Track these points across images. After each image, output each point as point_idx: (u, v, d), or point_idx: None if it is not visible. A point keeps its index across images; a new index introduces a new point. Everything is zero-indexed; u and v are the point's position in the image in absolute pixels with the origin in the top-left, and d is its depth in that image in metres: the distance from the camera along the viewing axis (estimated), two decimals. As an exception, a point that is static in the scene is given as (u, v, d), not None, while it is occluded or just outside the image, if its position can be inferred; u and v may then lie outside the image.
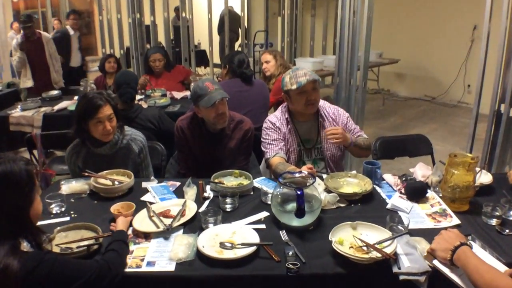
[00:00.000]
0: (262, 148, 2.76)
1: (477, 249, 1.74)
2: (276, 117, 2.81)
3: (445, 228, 1.76)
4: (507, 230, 1.96)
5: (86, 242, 1.86)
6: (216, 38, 9.48)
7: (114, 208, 2.13)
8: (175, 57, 7.44)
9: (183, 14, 7.17)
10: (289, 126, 2.78)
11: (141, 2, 6.99)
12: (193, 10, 7.52)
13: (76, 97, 4.77)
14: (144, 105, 4.25)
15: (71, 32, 7.05)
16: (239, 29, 9.39)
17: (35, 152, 3.73)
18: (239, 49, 10.07)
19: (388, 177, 2.49)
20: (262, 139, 2.78)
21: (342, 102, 4.78)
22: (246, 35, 9.30)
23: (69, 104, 4.55)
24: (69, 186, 2.45)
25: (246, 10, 8.96)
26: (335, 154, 2.83)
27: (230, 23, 8.66)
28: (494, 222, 2.03)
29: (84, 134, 2.59)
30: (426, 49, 8.51)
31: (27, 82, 5.90)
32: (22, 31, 5.77)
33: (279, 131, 2.75)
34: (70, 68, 6.97)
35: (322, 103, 2.86)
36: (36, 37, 5.76)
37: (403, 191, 2.33)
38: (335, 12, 6.13)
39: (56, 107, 4.49)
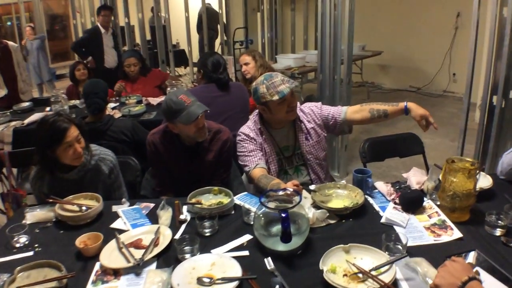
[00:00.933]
0: (240, 162, 2.55)
1: (486, 276, 1.55)
2: (249, 128, 2.59)
3: (447, 244, 1.58)
4: (513, 242, 1.79)
5: (49, 285, 1.67)
6: (194, 37, 9.23)
7: (80, 240, 1.91)
8: (152, 59, 7.19)
9: (160, 14, 6.94)
10: (263, 136, 2.56)
11: (115, 3, 6.76)
12: (170, 9, 7.31)
13: (47, 109, 4.53)
14: (118, 114, 4.02)
15: (102, 30, 6.39)
16: (218, 27, 9.15)
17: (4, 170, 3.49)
18: (219, 47, 9.85)
19: (380, 186, 2.30)
20: (238, 153, 2.56)
21: (326, 99, 4.59)
22: (226, 33, 9.08)
23: (40, 116, 4.28)
24: (33, 214, 2.23)
25: (224, 7, 8.72)
26: (318, 156, 2.64)
27: (208, 21, 8.44)
28: (498, 232, 1.86)
29: (51, 163, 2.35)
30: (409, 39, 8.35)
31: None
32: None
33: (255, 142, 2.53)
34: (104, 69, 6.36)
35: (298, 104, 2.65)
36: (2, 45, 5.51)
37: (397, 201, 2.14)
38: (315, 5, 5.93)
39: (27, 121, 4.22)
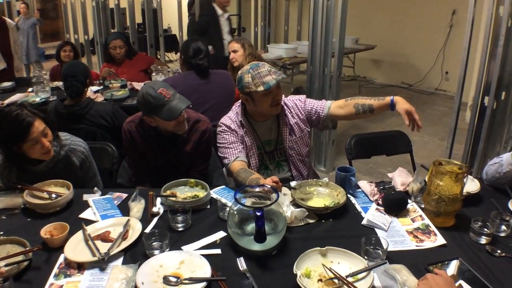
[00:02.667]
0: (219, 154, 2.43)
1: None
2: (231, 119, 2.47)
3: (430, 250, 1.50)
4: (498, 251, 1.71)
5: (14, 259, 1.63)
6: (186, 21, 9.06)
7: (46, 230, 1.81)
8: (142, 43, 7.04)
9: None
10: (244, 129, 2.45)
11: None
12: (163, -8, 7.15)
13: (30, 89, 4.39)
14: (100, 98, 3.89)
15: (219, 12, 5.61)
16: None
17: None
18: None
19: (364, 185, 2.21)
20: (218, 144, 2.44)
21: (315, 92, 4.50)
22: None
23: (21, 97, 4.15)
24: (1, 200, 2.12)
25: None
26: (301, 152, 2.53)
27: (201, 7, 8.25)
28: (484, 240, 1.78)
29: (18, 158, 2.21)
30: (403, 35, 8.26)
31: None
32: None
33: (235, 134, 2.42)
34: (225, 58, 5.25)
35: (283, 97, 2.54)
36: (1, 21, 5.48)
37: (380, 202, 2.06)
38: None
39: (7, 101, 4.08)
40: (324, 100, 2.53)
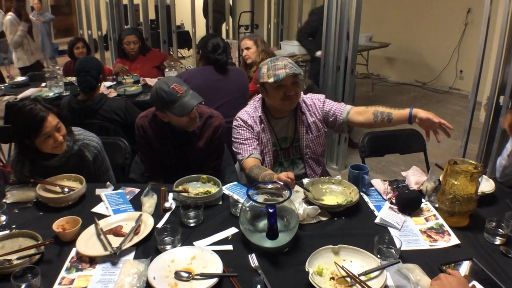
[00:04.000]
0: (234, 149, 2.43)
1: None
2: (248, 114, 2.45)
3: (443, 250, 1.48)
4: (513, 252, 1.69)
5: (26, 252, 1.64)
6: (199, 19, 9.05)
7: (58, 224, 1.82)
8: (156, 39, 7.05)
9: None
10: (262, 125, 2.43)
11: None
12: (176, -11, 7.15)
13: (43, 84, 4.42)
14: (113, 93, 3.90)
15: None
16: (225, 10, 8.94)
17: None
18: (225, 32, 9.67)
19: (377, 183, 2.19)
20: (233, 139, 2.43)
21: (328, 89, 4.48)
22: (232, 16, 8.89)
23: (34, 92, 4.18)
24: (14, 194, 2.14)
25: (231, -11, 8.54)
26: (316, 151, 2.52)
27: (214, 3, 8.26)
28: (498, 241, 1.75)
29: (31, 152, 2.22)
30: (417, 33, 8.18)
31: (21, 61, 6.15)
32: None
33: (251, 130, 2.40)
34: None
35: (302, 95, 2.52)
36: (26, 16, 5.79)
37: (393, 201, 2.04)
38: (323, -7, 5.77)
39: (20, 96, 4.11)
40: (343, 103, 2.51)
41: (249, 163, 2.28)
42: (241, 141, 2.38)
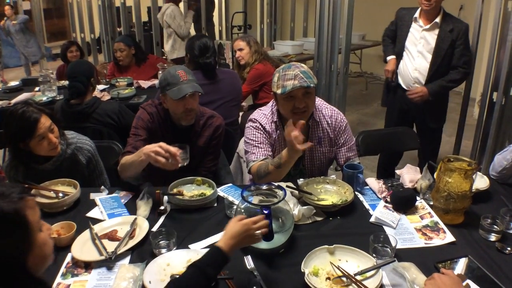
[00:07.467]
0: (245, 148, 2.34)
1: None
2: (266, 117, 2.34)
3: (439, 248, 1.48)
4: (508, 248, 1.70)
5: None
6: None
7: (53, 229, 1.81)
8: (149, 41, 7.01)
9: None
10: (278, 132, 2.33)
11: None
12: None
13: (37, 89, 4.40)
14: (107, 96, 3.89)
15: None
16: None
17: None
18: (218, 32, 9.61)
19: (372, 182, 2.19)
20: (246, 139, 2.35)
21: (322, 89, 4.48)
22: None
23: (28, 96, 4.15)
24: (7, 199, 2.12)
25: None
26: (323, 161, 2.42)
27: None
28: (493, 237, 1.76)
29: (25, 156, 2.21)
30: (410, 30, 8.17)
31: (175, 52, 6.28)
32: None
33: (268, 136, 2.32)
34: None
35: (320, 103, 2.39)
36: None
37: (388, 199, 2.04)
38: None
39: (14, 101, 4.08)
40: (356, 151, 2.46)
41: (258, 166, 2.23)
42: (256, 144, 2.30)
